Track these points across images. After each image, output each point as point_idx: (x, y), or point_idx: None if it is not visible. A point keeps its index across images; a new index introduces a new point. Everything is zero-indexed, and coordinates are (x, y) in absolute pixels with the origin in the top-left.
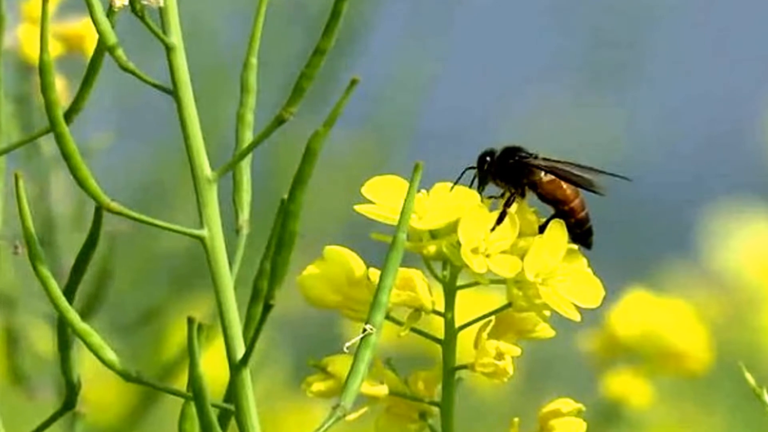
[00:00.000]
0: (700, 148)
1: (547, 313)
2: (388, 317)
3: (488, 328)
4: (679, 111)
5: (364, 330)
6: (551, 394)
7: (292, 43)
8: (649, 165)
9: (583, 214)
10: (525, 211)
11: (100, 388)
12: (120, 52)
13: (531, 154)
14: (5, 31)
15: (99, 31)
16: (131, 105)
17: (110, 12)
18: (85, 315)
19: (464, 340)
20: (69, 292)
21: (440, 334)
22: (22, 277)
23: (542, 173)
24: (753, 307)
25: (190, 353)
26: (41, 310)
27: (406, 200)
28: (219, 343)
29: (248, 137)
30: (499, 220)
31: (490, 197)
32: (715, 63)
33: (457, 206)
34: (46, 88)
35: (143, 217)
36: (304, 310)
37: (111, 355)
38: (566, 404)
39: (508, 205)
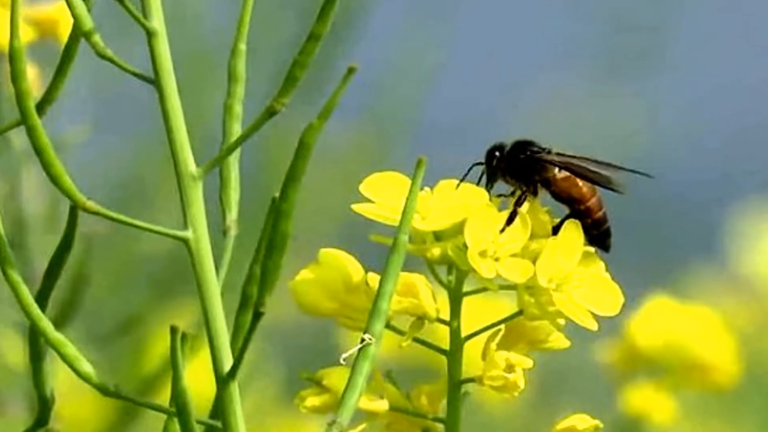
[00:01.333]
0: (727, 143)
1: (562, 321)
2: (388, 326)
3: (497, 338)
4: (706, 102)
5: (363, 340)
6: (566, 409)
7: (285, 28)
8: (673, 161)
9: (600, 213)
10: (537, 210)
11: (76, 402)
12: (97, 37)
13: (544, 149)
14: None
15: (74, 15)
16: (109, 95)
17: None
18: (59, 323)
19: (471, 351)
20: (41, 299)
21: (445, 345)
22: None
23: (556, 169)
24: None
25: (173, 365)
26: (11, 318)
27: (408, 199)
28: (205, 354)
29: (236, 130)
30: (509, 220)
31: (500, 196)
32: (744, 49)
33: (463, 205)
34: (16, 77)
35: (122, 217)
36: (297, 319)
37: (87, 367)
38: (582, 421)
39: (518, 204)
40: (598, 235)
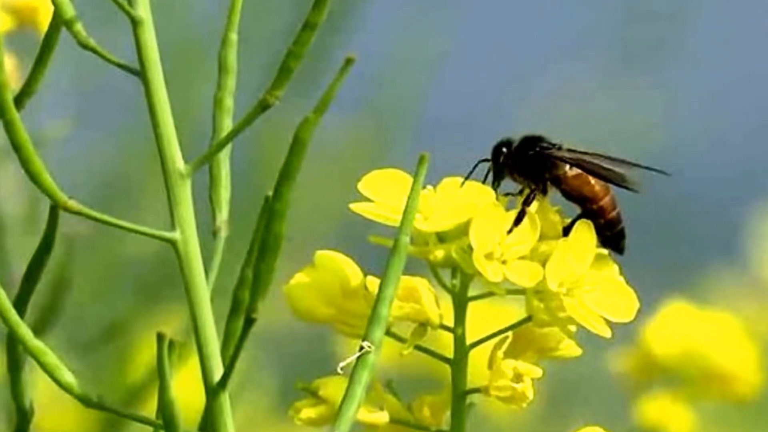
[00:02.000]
0: (749, 138)
1: (573, 328)
2: (388, 333)
3: (504, 346)
4: (726, 94)
5: (362, 348)
6: (577, 421)
7: (278, 16)
8: (691, 157)
9: (613, 213)
10: (547, 210)
11: (56, 414)
12: (79, 26)
13: (554, 145)
14: None
15: (55, 3)
16: (92, 88)
17: None
18: (38, 330)
19: (477, 360)
20: (20, 304)
21: (449, 353)
22: None
23: (567, 167)
24: None
25: (160, 374)
26: None
27: (409, 198)
28: (193, 362)
29: (227, 125)
30: (517, 220)
31: (507, 194)
32: (766, 39)
33: (468, 205)
34: None
35: (106, 217)
36: (292, 325)
37: (68, 377)
38: None
39: (527, 203)
40: (611, 237)
